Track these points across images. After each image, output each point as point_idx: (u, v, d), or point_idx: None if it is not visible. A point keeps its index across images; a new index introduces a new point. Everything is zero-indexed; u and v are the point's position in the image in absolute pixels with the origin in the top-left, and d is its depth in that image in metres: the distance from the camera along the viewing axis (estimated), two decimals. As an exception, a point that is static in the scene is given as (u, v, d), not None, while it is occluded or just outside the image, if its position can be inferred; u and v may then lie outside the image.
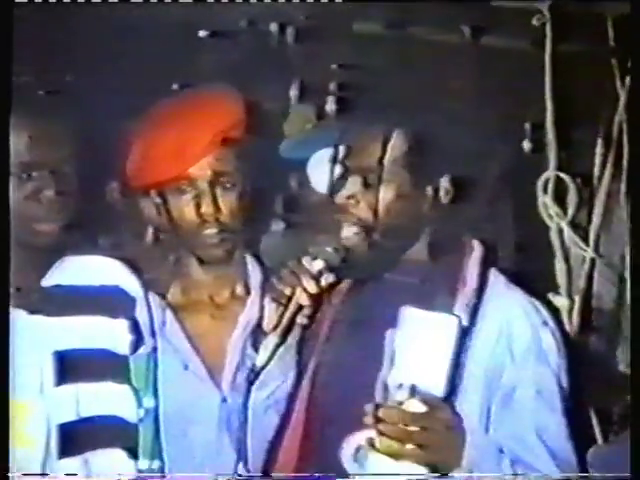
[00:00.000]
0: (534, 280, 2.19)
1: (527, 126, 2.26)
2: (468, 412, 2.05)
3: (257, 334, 2.14)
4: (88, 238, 2.24)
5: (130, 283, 2.20)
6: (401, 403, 2.01)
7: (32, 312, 2.17)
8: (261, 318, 2.14)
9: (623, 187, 2.26)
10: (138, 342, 2.18)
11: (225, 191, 2.18)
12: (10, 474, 2.05)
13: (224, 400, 2.17)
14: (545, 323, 2.09)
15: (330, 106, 2.27)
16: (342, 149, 2.11)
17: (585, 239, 2.26)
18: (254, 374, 2.13)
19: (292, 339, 2.14)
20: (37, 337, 2.17)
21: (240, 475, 2.15)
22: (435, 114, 2.20)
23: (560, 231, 2.26)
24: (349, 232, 2.12)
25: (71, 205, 2.25)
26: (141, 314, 2.20)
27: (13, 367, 2.08)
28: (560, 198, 2.27)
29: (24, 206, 2.22)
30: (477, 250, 2.16)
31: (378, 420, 2.00)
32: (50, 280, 2.20)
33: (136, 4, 2.24)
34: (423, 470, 2.00)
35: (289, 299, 2.08)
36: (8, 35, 2.03)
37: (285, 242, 2.24)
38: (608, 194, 2.26)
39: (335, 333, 2.18)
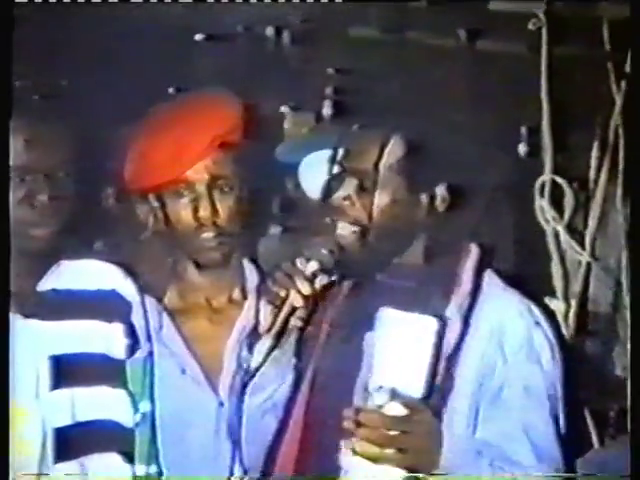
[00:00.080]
0: (531, 283, 2.20)
1: (523, 130, 2.26)
2: (458, 413, 2.06)
3: (254, 338, 2.14)
4: (83, 242, 2.23)
5: (126, 287, 2.20)
6: (381, 406, 2.02)
7: (28, 316, 2.17)
8: (258, 322, 2.13)
9: (619, 191, 2.26)
10: (134, 346, 2.18)
11: (222, 195, 2.17)
12: (11, 477, 2.05)
13: (221, 404, 2.16)
14: (538, 324, 2.10)
15: (326, 110, 2.27)
16: (341, 151, 2.11)
17: (581, 243, 2.26)
18: (248, 376, 2.14)
19: (289, 342, 2.14)
20: (33, 341, 2.16)
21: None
22: (431, 118, 2.21)
23: (556, 235, 2.26)
24: (344, 230, 2.12)
25: (65, 210, 2.25)
26: (137, 318, 2.19)
27: (13, 371, 2.07)
28: (556, 202, 2.27)
29: (17, 210, 2.21)
30: (474, 253, 2.16)
31: (358, 424, 2.00)
32: (46, 284, 2.20)
33: (133, 8, 2.24)
34: (403, 473, 2.01)
35: (283, 301, 2.08)
36: (8, 35, 2.02)
37: (282, 245, 2.24)
38: (604, 198, 2.26)
39: (333, 337, 2.18)
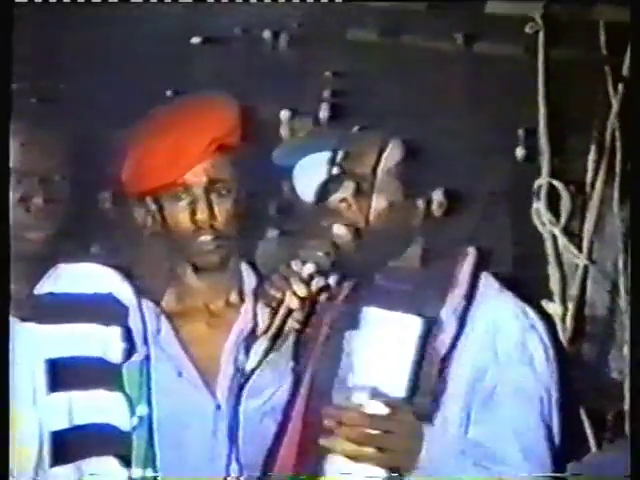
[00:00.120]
0: (529, 286, 2.21)
1: (520, 133, 2.26)
2: (450, 413, 2.07)
3: (252, 341, 2.14)
4: (81, 246, 2.23)
5: (123, 291, 2.20)
6: (361, 405, 2.03)
7: (24, 320, 2.17)
8: (256, 325, 2.13)
9: (616, 194, 2.26)
10: (131, 350, 2.18)
11: (220, 198, 2.18)
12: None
13: (218, 407, 2.17)
14: (532, 326, 2.10)
15: (323, 113, 2.28)
16: (340, 153, 2.11)
17: (578, 246, 2.26)
18: (244, 378, 2.14)
19: (286, 345, 2.14)
20: (30, 345, 2.16)
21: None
22: (428, 121, 2.22)
23: (554, 238, 2.26)
24: (340, 230, 2.12)
25: (61, 213, 2.25)
26: (134, 322, 2.20)
27: (12, 374, 2.06)
28: (553, 205, 2.27)
29: (13, 213, 2.21)
30: (470, 256, 2.16)
31: (338, 423, 2.01)
32: (43, 288, 2.20)
33: (130, 10, 2.24)
34: (383, 473, 2.02)
35: (280, 303, 2.09)
36: (8, 35, 2.02)
37: (280, 248, 2.24)
38: (601, 201, 2.26)
39: (331, 340, 2.18)
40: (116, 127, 2.18)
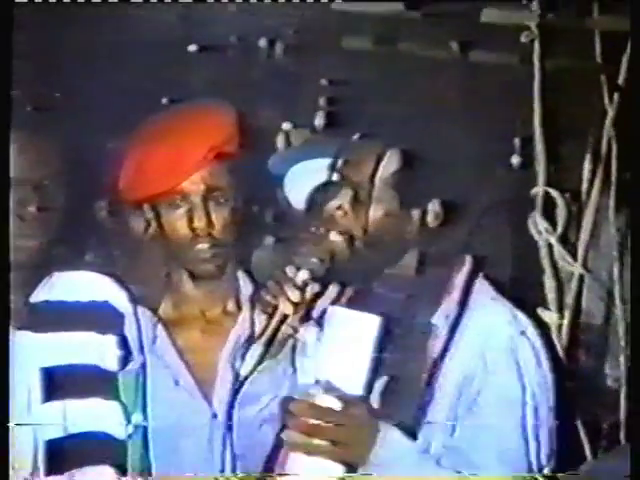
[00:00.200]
0: (526, 295, 2.22)
1: (516, 142, 2.27)
2: (436, 418, 2.09)
3: (248, 350, 2.15)
4: (75, 254, 2.24)
5: (119, 299, 2.22)
6: (312, 397, 2.07)
7: (19, 328, 2.18)
8: (253, 333, 2.15)
9: (612, 202, 2.28)
10: (127, 358, 2.19)
11: (218, 206, 2.19)
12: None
13: (214, 416, 2.18)
14: (523, 333, 2.12)
15: (319, 121, 2.29)
16: (340, 161, 2.13)
17: (574, 255, 2.27)
18: (239, 383, 2.16)
19: (284, 352, 2.15)
20: (25, 353, 2.17)
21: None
22: (424, 129, 2.23)
23: (549, 246, 2.27)
24: (335, 237, 2.14)
25: (56, 221, 2.25)
26: (130, 330, 2.21)
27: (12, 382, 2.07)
28: (549, 213, 2.28)
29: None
30: (466, 265, 2.18)
31: (289, 414, 2.05)
32: (38, 296, 2.21)
33: (125, 19, 2.25)
34: (337, 467, 2.05)
35: (275, 309, 2.10)
36: (8, 35, 2.03)
37: (276, 256, 2.25)
38: (597, 209, 2.27)
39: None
40: (112, 135, 2.20)
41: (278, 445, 2.14)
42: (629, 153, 2.18)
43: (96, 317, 2.20)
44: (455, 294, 2.14)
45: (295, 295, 2.09)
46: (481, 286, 2.18)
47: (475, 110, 2.29)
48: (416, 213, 2.16)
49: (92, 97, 2.26)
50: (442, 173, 2.18)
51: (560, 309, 2.28)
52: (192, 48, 2.31)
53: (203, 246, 2.19)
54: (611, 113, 2.29)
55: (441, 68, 2.31)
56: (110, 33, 2.28)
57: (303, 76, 2.33)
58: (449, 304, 2.12)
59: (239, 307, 2.25)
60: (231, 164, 2.19)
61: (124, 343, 2.20)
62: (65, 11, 2.20)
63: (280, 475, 2.12)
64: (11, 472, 2.08)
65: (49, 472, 2.17)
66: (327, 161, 2.18)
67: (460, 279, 2.16)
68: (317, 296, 2.13)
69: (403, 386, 2.09)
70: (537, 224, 2.28)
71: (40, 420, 2.17)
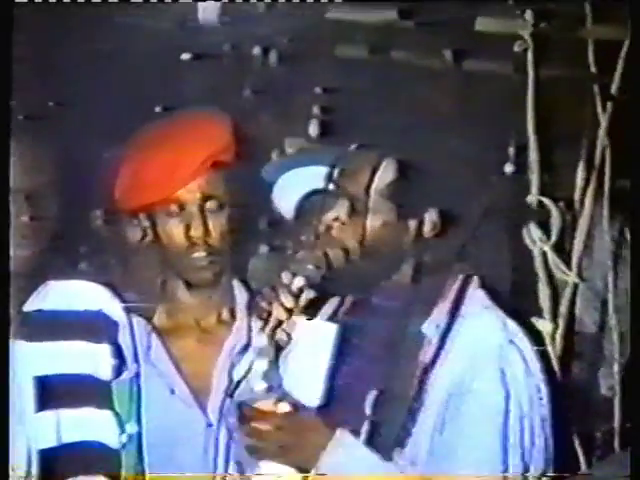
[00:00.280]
0: (522, 304, 2.24)
1: (510, 150, 2.29)
2: (423, 427, 2.11)
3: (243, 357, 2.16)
4: (70, 263, 2.25)
5: (113, 308, 2.22)
6: (262, 402, 2.11)
7: (13, 337, 2.18)
8: (250, 342, 2.16)
9: (605, 211, 2.29)
10: (121, 367, 2.20)
11: (214, 214, 2.20)
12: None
13: (209, 425, 2.19)
14: (511, 341, 2.13)
15: (313, 130, 2.30)
16: (336, 171, 2.15)
17: (568, 263, 2.29)
18: (233, 387, 2.18)
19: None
20: (18, 363, 2.17)
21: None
22: (417, 138, 2.24)
23: (544, 255, 2.28)
24: (332, 249, 2.16)
25: (49, 230, 2.26)
26: (124, 339, 2.22)
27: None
28: (543, 222, 2.30)
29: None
30: (461, 273, 2.20)
31: (241, 420, 2.10)
32: (32, 305, 2.22)
33: (118, 27, 2.26)
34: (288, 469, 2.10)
35: (270, 315, 2.12)
36: (8, 35, 2.04)
37: (271, 264, 2.26)
38: (590, 218, 2.29)
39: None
40: (106, 143, 2.21)
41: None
42: (629, 162, 2.20)
43: (90, 326, 2.21)
44: (447, 303, 2.15)
45: (289, 301, 2.11)
46: (475, 295, 2.20)
47: (469, 119, 2.30)
48: (413, 223, 2.18)
49: (85, 105, 2.27)
50: (437, 182, 2.19)
51: (554, 318, 2.29)
52: (186, 56, 2.32)
53: (200, 254, 2.20)
54: (604, 122, 2.31)
55: (435, 77, 2.33)
56: (103, 41, 2.29)
57: (297, 84, 2.34)
58: (440, 313, 2.14)
59: (234, 316, 2.26)
60: (227, 173, 2.20)
61: (118, 352, 2.21)
62: (65, 11, 2.21)
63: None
64: (11, 473, 2.09)
65: (43, 481, 2.18)
66: (318, 169, 2.20)
67: (454, 288, 2.18)
68: (312, 302, 2.15)
69: (393, 394, 2.10)
70: (531, 233, 2.30)
71: (34, 430, 2.17)
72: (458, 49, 2.31)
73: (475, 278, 2.20)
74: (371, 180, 2.16)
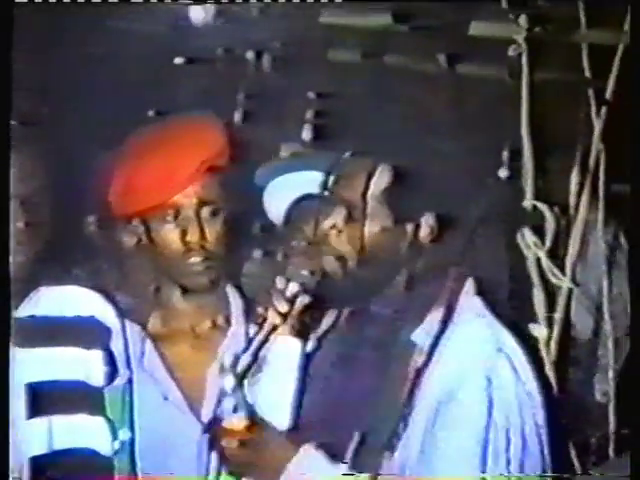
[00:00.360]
0: (518, 310, 2.24)
1: (504, 155, 2.29)
2: (411, 436, 2.11)
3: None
4: (63, 269, 2.25)
5: (106, 313, 2.23)
6: (230, 422, 2.12)
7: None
8: (247, 348, 2.16)
9: (600, 216, 2.30)
10: (113, 374, 2.20)
11: (210, 219, 2.21)
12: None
13: (205, 432, 2.18)
14: (500, 350, 2.14)
15: (307, 134, 2.30)
16: (332, 178, 2.15)
17: (562, 269, 2.30)
18: (225, 395, 2.17)
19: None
20: (9, 369, 2.17)
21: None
22: (412, 142, 2.25)
23: (538, 260, 2.29)
24: (328, 259, 2.16)
25: (43, 236, 2.26)
26: (117, 345, 2.22)
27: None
28: (538, 227, 2.30)
29: None
30: (455, 279, 2.20)
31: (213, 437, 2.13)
32: (23, 311, 2.22)
33: (111, 31, 2.26)
34: None
35: (264, 320, 2.13)
36: (8, 35, 2.04)
37: (267, 270, 2.27)
38: (585, 223, 2.30)
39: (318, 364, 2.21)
40: (99, 148, 2.21)
41: None
42: (624, 166, 2.21)
43: (82, 332, 2.21)
44: (440, 310, 2.16)
45: (283, 306, 2.11)
46: (470, 302, 2.20)
47: (463, 123, 2.31)
48: (409, 227, 2.18)
49: (78, 109, 2.27)
50: (432, 187, 2.20)
51: (549, 323, 2.30)
52: (179, 60, 2.32)
53: (196, 259, 2.21)
54: (598, 127, 2.31)
55: (429, 81, 2.34)
56: (95, 45, 2.29)
57: (290, 89, 2.35)
58: (433, 320, 2.15)
59: (228, 322, 2.26)
60: (222, 177, 2.21)
61: (110, 358, 2.21)
62: (58, 14, 2.21)
63: None
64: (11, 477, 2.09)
65: (34, 489, 2.18)
66: (310, 174, 2.21)
67: (447, 295, 2.18)
68: (307, 308, 2.15)
69: (383, 403, 2.11)
70: (525, 238, 2.30)
71: (25, 436, 2.17)
72: (452, 53, 2.32)
73: (471, 284, 2.21)
74: (367, 186, 2.17)
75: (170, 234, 2.20)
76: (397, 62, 2.35)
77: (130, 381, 2.21)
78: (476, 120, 2.31)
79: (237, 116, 2.30)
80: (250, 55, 2.35)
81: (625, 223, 2.27)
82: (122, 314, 2.23)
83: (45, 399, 2.19)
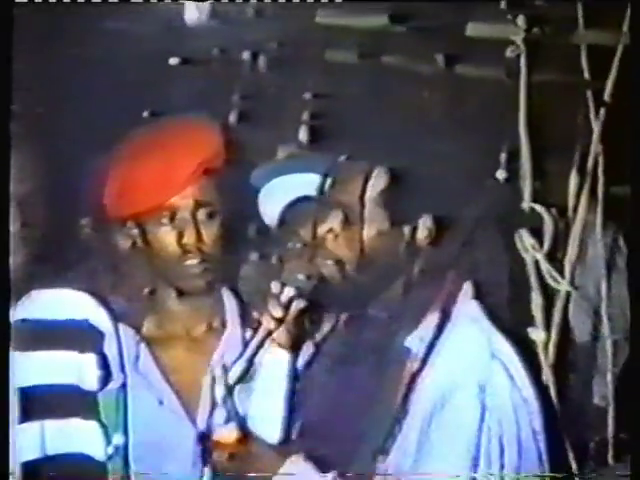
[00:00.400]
0: (516, 313, 2.23)
1: (502, 157, 2.29)
2: (405, 442, 2.12)
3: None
4: (56, 271, 2.24)
5: (99, 317, 2.22)
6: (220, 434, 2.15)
7: (-4, 347, 2.16)
8: (244, 351, 2.15)
9: (598, 219, 2.29)
10: (107, 377, 2.19)
11: (207, 221, 2.20)
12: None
13: (199, 436, 2.17)
14: (494, 356, 2.13)
15: (303, 135, 2.30)
16: (328, 181, 2.15)
17: (561, 271, 2.29)
18: (220, 400, 2.19)
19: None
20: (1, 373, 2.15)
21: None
22: (409, 144, 2.24)
23: (536, 263, 2.28)
24: (326, 263, 2.15)
25: (37, 238, 2.25)
26: (110, 348, 2.21)
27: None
28: (536, 229, 2.30)
29: None
30: (452, 283, 2.19)
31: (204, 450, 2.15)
32: (16, 314, 2.20)
33: (106, 31, 2.25)
34: None
35: (260, 324, 2.12)
36: (8, 35, 2.03)
37: (262, 272, 2.26)
38: (584, 225, 2.29)
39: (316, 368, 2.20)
40: (93, 149, 2.20)
41: None
42: (623, 168, 2.20)
43: (76, 335, 2.20)
44: (435, 315, 2.15)
45: (278, 311, 2.11)
46: (467, 306, 2.19)
47: (461, 124, 2.31)
48: (407, 230, 2.18)
49: (72, 110, 2.26)
50: (430, 188, 2.19)
51: (547, 326, 2.29)
52: (174, 61, 2.31)
53: (193, 262, 2.20)
54: (597, 129, 2.31)
55: (426, 82, 2.33)
56: (91, 46, 2.28)
57: (287, 90, 2.34)
58: (428, 325, 2.14)
59: (224, 325, 2.25)
60: (218, 179, 2.20)
61: (104, 362, 2.20)
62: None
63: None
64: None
65: (26, 495, 2.16)
66: (306, 176, 2.20)
67: (442, 298, 2.17)
68: (302, 312, 2.15)
69: (378, 408, 2.10)
70: (523, 240, 2.29)
71: (17, 441, 2.16)
72: (450, 54, 2.32)
73: (469, 287, 2.20)
74: (364, 189, 2.17)
75: (166, 236, 2.20)
76: (394, 63, 2.35)
77: (124, 385, 2.20)
78: (474, 121, 2.31)
79: (232, 117, 2.30)
80: (246, 56, 2.34)
81: (624, 225, 2.28)
82: (116, 317, 2.22)
83: (38, 403, 2.18)
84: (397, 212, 2.19)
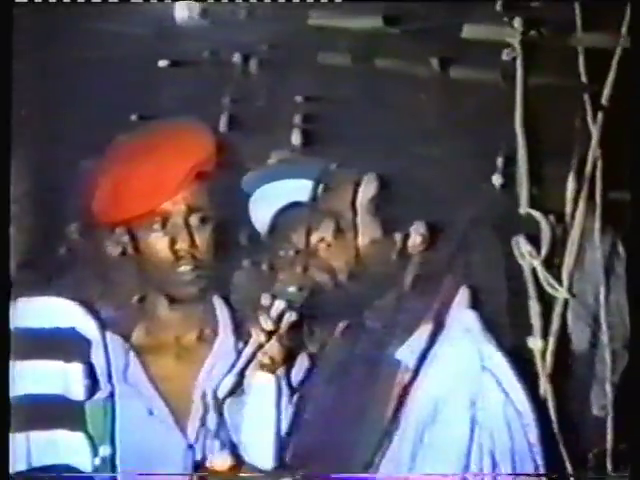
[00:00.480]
0: (513, 321, 2.22)
1: (498, 161, 2.27)
2: (397, 455, 2.10)
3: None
4: (43, 279, 2.22)
5: (86, 325, 2.20)
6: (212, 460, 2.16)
7: (-20, 356, 2.14)
8: (236, 360, 2.14)
9: (597, 225, 2.28)
10: (94, 387, 2.17)
11: (199, 226, 2.18)
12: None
13: (190, 447, 2.15)
14: (484, 368, 2.12)
15: (294, 139, 2.28)
16: (320, 188, 2.13)
17: (558, 278, 2.27)
18: (210, 413, 2.18)
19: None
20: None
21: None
22: (403, 147, 2.23)
23: (534, 270, 2.26)
24: (318, 274, 2.15)
25: (23, 244, 2.22)
26: (97, 358, 2.19)
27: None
28: (533, 236, 2.28)
29: None
30: (446, 291, 2.18)
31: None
32: (1, 322, 2.18)
33: (95, 34, 2.23)
34: None
35: (250, 336, 2.11)
36: (8, 35, 2.01)
37: (254, 280, 2.24)
38: (582, 231, 2.27)
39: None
40: (81, 153, 2.18)
41: None
42: (621, 173, 2.19)
43: (62, 344, 2.19)
44: (428, 325, 2.14)
45: (268, 324, 2.09)
46: (460, 315, 2.17)
47: (456, 128, 2.29)
48: (399, 237, 2.16)
49: (59, 113, 2.25)
50: (425, 194, 2.18)
51: (545, 334, 2.27)
52: (163, 63, 2.29)
53: (186, 268, 2.18)
54: (595, 133, 2.29)
55: (421, 85, 2.32)
56: (80, 49, 2.27)
57: (278, 93, 2.32)
58: (419, 337, 2.12)
59: (215, 333, 2.23)
60: (210, 184, 2.18)
61: (91, 371, 2.18)
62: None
63: None
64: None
65: (11, 508, 2.13)
66: (297, 182, 2.19)
67: (436, 307, 2.16)
68: (294, 325, 2.13)
69: (368, 422, 2.09)
70: (520, 247, 2.28)
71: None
72: (445, 57, 2.32)
73: (464, 295, 2.18)
74: (355, 196, 2.15)
75: (158, 242, 2.18)
76: (388, 65, 2.35)
77: (112, 395, 2.18)
78: (469, 126, 2.30)
79: (223, 120, 2.28)
80: (237, 58, 2.33)
81: (623, 231, 2.27)
82: (104, 325, 2.20)
83: (23, 414, 2.16)
84: (390, 219, 2.17)
